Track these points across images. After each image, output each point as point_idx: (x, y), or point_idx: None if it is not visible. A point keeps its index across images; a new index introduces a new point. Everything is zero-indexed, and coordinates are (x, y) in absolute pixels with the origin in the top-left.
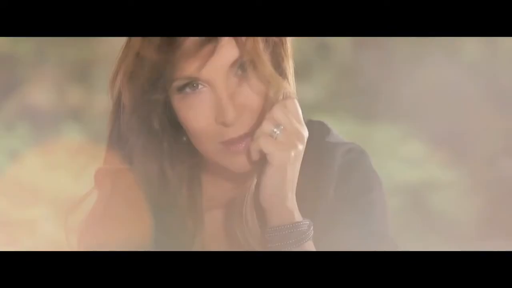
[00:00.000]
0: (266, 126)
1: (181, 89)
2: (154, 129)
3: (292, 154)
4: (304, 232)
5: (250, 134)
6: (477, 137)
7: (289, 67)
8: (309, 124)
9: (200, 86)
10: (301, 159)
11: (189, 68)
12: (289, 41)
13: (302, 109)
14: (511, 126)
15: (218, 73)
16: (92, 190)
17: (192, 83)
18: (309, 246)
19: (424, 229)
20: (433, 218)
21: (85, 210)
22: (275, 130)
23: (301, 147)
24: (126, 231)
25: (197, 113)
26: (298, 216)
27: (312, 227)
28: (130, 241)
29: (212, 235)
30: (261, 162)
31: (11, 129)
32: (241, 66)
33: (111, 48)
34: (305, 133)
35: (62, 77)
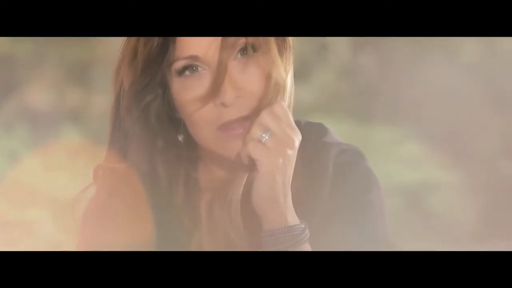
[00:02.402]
0: (255, 132)
1: (180, 72)
2: (151, 122)
3: (280, 160)
4: (298, 235)
5: (249, 117)
6: (476, 138)
7: (289, 65)
8: (308, 125)
9: (200, 69)
10: (293, 163)
11: (189, 49)
12: (290, 40)
13: (300, 110)
14: (510, 127)
15: (219, 54)
16: (90, 185)
17: (191, 66)
18: (305, 249)
19: (423, 230)
20: (432, 219)
21: (84, 205)
22: (263, 135)
23: (291, 152)
24: (124, 229)
25: (196, 96)
26: (292, 220)
27: (307, 230)
28: (128, 239)
29: (208, 229)
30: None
31: (10, 130)
32: (242, 50)
33: (111, 49)
34: (296, 137)
35: (61, 78)
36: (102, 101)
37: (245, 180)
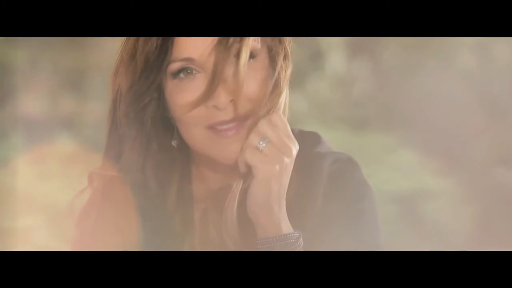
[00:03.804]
0: (252, 139)
1: (175, 74)
2: (147, 125)
3: (277, 167)
4: (292, 244)
5: (242, 119)
6: (470, 146)
7: (284, 68)
8: (301, 134)
9: (194, 72)
10: (289, 172)
11: (185, 51)
12: (288, 48)
13: (294, 118)
14: (504, 134)
15: (215, 57)
16: (85, 188)
17: (186, 69)
18: None
19: (418, 237)
20: (427, 226)
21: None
22: (260, 142)
23: (288, 160)
24: (117, 234)
25: (190, 98)
26: (286, 228)
27: (301, 239)
28: (120, 244)
29: (200, 235)
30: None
31: (4, 137)
32: (238, 55)
33: (105, 55)
34: (294, 146)
35: (56, 85)
36: (96, 108)
37: (240, 187)
